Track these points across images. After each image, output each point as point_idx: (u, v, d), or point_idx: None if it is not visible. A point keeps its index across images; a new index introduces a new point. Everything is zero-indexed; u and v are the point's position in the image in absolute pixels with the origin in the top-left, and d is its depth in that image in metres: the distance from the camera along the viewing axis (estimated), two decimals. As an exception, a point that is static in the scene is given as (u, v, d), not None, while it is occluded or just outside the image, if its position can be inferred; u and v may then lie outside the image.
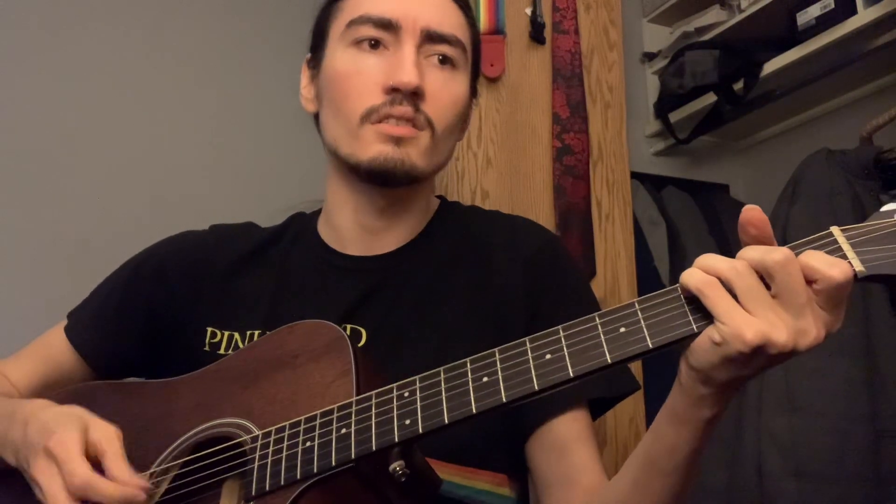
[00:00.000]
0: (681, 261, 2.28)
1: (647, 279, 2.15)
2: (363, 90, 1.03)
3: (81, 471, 0.86)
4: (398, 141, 1.02)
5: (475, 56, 1.13)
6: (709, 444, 0.82)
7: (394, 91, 1.02)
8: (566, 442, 1.02)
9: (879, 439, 1.72)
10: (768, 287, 0.70)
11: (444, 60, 1.06)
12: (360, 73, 1.04)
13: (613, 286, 1.98)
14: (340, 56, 1.07)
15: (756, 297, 0.70)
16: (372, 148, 1.03)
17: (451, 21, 1.08)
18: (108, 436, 0.89)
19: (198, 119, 2.18)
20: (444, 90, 1.06)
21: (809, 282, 0.69)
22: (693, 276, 0.71)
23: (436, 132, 1.05)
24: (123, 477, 0.86)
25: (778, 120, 2.53)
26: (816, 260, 0.69)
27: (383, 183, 1.06)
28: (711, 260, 0.72)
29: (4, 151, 1.96)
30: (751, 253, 0.71)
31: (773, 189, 2.03)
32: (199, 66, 2.21)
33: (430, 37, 1.05)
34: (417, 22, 1.04)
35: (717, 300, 0.70)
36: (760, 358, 0.70)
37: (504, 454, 1.05)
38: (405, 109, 1.02)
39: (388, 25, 1.04)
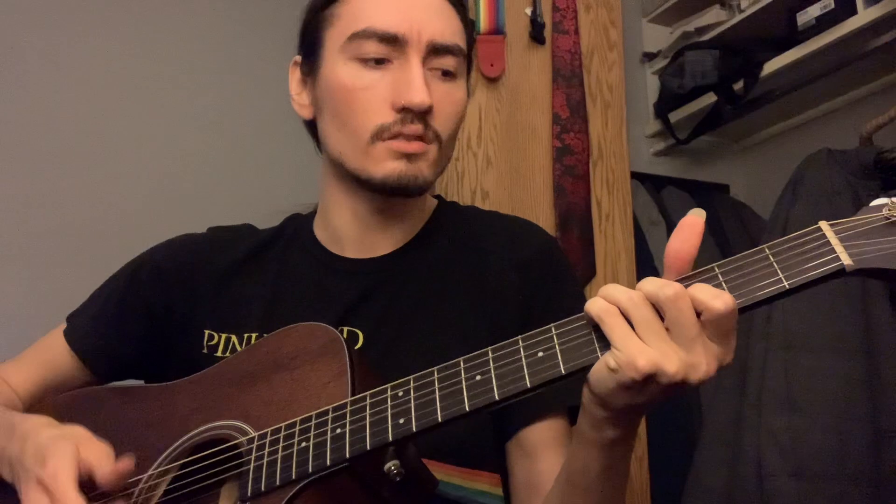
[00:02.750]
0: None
1: (647, 279, 2.15)
2: (370, 107, 1.03)
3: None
4: (410, 157, 1.03)
5: (470, 54, 1.13)
6: (627, 463, 0.85)
7: (404, 110, 1.02)
8: (537, 448, 1.03)
9: (879, 439, 1.72)
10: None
11: (447, 73, 1.06)
12: (366, 89, 1.03)
13: (613, 286, 1.98)
14: (343, 69, 1.05)
15: (650, 327, 0.72)
16: (385, 165, 1.03)
17: (452, 28, 1.07)
18: (97, 455, 0.89)
19: (196, 121, 2.18)
20: (448, 101, 1.06)
21: (699, 313, 0.71)
22: (595, 304, 0.74)
23: (443, 144, 1.06)
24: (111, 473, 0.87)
25: (778, 120, 2.53)
26: (702, 293, 0.71)
27: (394, 195, 1.06)
28: (612, 289, 0.74)
29: (3, 153, 1.96)
30: (647, 286, 0.73)
31: (773, 189, 2.03)
32: (196, 67, 2.21)
33: (435, 49, 1.04)
34: (422, 35, 1.03)
35: (613, 327, 0.72)
36: (653, 386, 0.72)
37: (497, 454, 1.06)
38: (416, 128, 1.02)
39: (393, 40, 1.02)
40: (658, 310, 0.72)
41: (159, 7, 2.19)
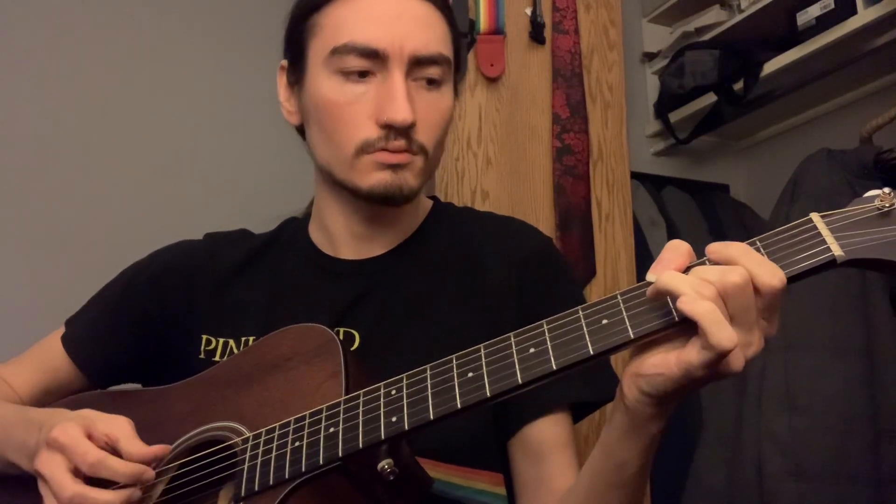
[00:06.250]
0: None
1: (647, 279, 2.15)
2: (354, 122, 1.02)
3: (92, 449, 0.89)
4: (395, 168, 1.02)
5: (457, 57, 1.11)
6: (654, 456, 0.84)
7: (388, 126, 1.01)
8: (544, 447, 1.03)
9: (879, 439, 1.72)
10: None
11: (431, 82, 1.05)
12: (350, 104, 1.02)
13: (613, 286, 1.98)
14: (326, 83, 1.04)
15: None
16: (371, 177, 1.03)
17: (436, 37, 1.05)
18: (117, 424, 0.93)
19: (195, 124, 2.19)
20: (433, 111, 1.05)
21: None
22: (702, 305, 0.69)
23: (429, 154, 1.06)
24: (138, 452, 0.91)
25: (778, 120, 2.53)
26: (759, 271, 0.69)
27: (381, 205, 1.06)
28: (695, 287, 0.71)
29: (3, 153, 1.97)
30: (712, 275, 0.70)
31: (773, 189, 2.03)
32: (193, 70, 2.22)
33: (418, 61, 1.03)
34: (404, 49, 1.01)
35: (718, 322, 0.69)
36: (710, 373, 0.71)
37: (498, 453, 1.05)
38: (400, 144, 1.02)
39: (374, 55, 1.01)
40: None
41: (156, 10, 2.20)
